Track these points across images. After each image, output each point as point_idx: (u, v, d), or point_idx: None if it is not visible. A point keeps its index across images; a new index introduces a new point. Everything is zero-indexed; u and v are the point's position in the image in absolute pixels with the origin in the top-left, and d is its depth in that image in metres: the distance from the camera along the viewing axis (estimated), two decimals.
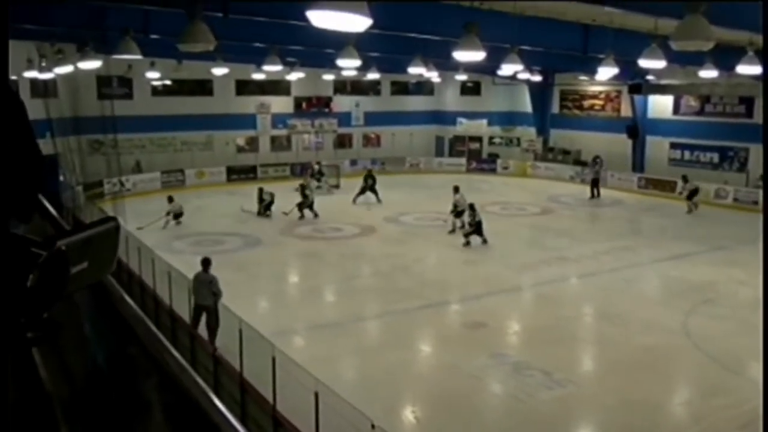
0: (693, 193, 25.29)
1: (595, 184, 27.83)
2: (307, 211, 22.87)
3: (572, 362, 11.69)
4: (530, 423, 9.52)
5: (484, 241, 19.40)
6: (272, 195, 23.35)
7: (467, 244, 19.20)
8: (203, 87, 31.64)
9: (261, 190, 23.62)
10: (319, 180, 28.80)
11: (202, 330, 11.41)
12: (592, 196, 27.68)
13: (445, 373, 10.94)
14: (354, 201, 25.29)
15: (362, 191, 25.67)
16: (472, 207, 19.73)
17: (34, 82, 20.82)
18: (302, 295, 15.91)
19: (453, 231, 20.66)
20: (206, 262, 11.84)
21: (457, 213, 20.75)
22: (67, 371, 2.34)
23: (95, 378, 2.36)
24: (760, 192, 25.96)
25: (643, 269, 17.49)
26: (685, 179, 26.06)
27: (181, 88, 31.26)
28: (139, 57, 14.11)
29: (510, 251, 18.88)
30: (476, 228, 19.39)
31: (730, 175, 27.87)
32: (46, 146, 14.47)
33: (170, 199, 21.96)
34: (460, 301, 14.93)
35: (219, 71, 23.83)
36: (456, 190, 21.40)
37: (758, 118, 26.95)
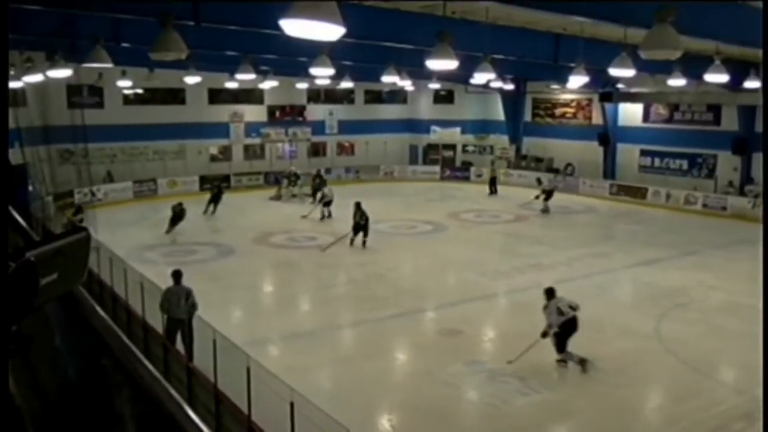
0: (549, 194, 25.96)
1: (548, 195, 26.60)
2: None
3: (547, 368, 11.74)
4: (506, 429, 9.54)
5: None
6: (182, 210, 22.09)
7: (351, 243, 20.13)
8: (175, 96, 31.43)
9: (179, 206, 22.20)
10: (295, 185, 28.92)
11: (179, 345, 11.28)
12: (539, 198, 26.74)
13: (420, 381, 10.94)
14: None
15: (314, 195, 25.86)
16: (358, 205, 20.59)
17: None
18: (277, 304, 15.82)
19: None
20: (178, 275, 11.44)
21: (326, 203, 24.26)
22: (37, 384, 2.30)
23: (67, 391, 2.32)
24: (728, 198, 26.42)
25: (616, 275, 17.67)
26: (539, 181, 27.34)
27: (153, 96, 31.02)
28: (110, 65, 13.96)
29: (484, 259, 18.97)
30: (364, 227, 20.28)
31: (699, 182, 28.35)
32: (15, 156, 14.30)
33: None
34: (436, 309, 14.95)
35: (191, 80, 23.68)
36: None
37: (726, 125, 27.46)
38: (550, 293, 11.58)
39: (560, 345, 11.21)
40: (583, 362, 11.13)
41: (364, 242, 20.15)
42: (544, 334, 11.24)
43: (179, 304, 11.07)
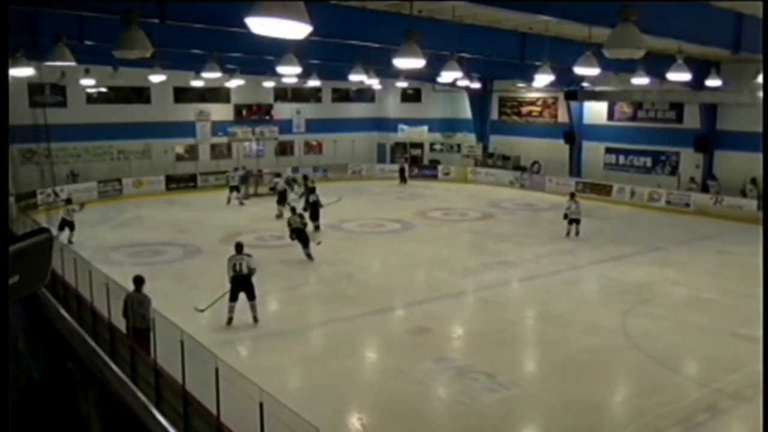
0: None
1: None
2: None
3: (515, 364, 11.85)
4: (475, 426, 9.60)
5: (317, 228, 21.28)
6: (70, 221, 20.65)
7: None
8: (140, 94, 31.06)
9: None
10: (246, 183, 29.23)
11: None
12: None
13: (390, 379, 10.95)
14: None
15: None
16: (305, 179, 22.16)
17: None
18: (245, 304, 15.70)
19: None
20: (139, 281, 11.16)
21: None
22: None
23: (30, 394, 2.28)
24: (691, 194, 26.90)
25: (582, 271, 17.88)
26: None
27: (117, 95, 30.62)
28: (72, 64, 13.72)
29: (452, 256, 19.05)
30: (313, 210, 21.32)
31: (663, 178, 28.82)
32: None
33: None
34: (404, 307, 14.98)
35: (156, 78, 23.43)
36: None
37: (688, 123, 27.95)
38: (238, 248, 13.44)
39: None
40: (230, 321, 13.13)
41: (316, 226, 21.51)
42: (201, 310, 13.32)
43: (137, 313, 10.76)
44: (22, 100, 23.77)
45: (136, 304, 10.90)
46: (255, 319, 13.32)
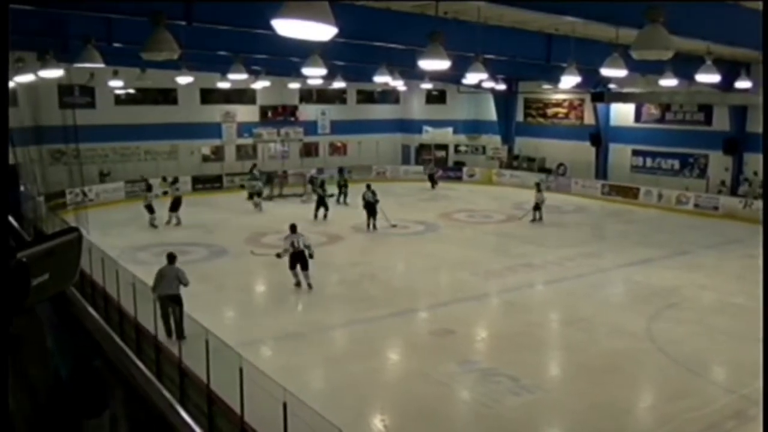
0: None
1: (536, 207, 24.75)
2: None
3: (539, 368, 11.77)
4: (498, 429, 9.56)
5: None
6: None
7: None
8: (167, 96, 31.35)
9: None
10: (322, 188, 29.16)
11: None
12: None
13: (413, 381, 10.94)
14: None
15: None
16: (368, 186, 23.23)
17: None
18: (269, 304, 15.80)
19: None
20: (172, 257, 12.66)
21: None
22: (29, 386, 2.29)
23: (59, 392, 2.31)
24: (720, 198, 26.54)
25: (607, 275, 17.71)
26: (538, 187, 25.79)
27: (144, 97, 30.93)
28: (101, 65, 13.94)
29: (476, 258, 18.98)
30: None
31: (691, 181, 28.45)
32: None
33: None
34: (428, 309, 14.95)
35: (183, 80, 23.62)
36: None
37: (717, 125, 27.57)
38: (292, 228, 15.81)
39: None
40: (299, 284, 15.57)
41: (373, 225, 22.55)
42: (278, 255, 15.47)
43: (170, 282, 12.17)
44: (52, 102, 24.16)
45: (167, 274, 12.30)
46: (309, 286, 15.63)
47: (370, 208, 22.65)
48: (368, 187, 23.27)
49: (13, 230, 2.29)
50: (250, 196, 27.38)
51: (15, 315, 1.36)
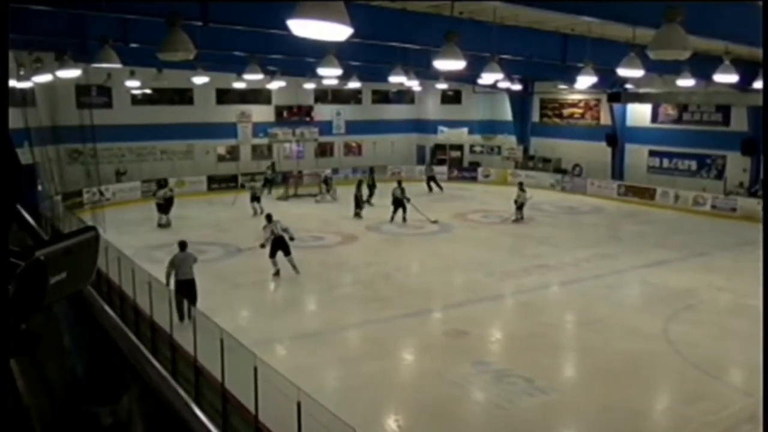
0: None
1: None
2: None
3: (554, 369, 11.72)
4: (512, 430, 9.53)
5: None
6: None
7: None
8: (183, 96, 31.53)
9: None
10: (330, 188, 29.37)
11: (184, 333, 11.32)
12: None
13: (427, 382, 10.93)
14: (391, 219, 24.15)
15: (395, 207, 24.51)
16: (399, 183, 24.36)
17: (12, 90, 20.60)
18: (284, 304, 15.83)
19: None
20: (183, 244, 13.69)
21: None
22: (45, 383, 2.31)
23: (75, 390, 2.33)
24: (738, 199, 26.30)
25: (623, 276, 17.61)
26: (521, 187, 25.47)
27: (161, 97, 31.13)
28: (118, 66, 14.02)
29: (491, 259, 18.94)
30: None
31: (708, 182, 28.22)
32: (24, 156, 14.37)
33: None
34: (442, 310, 14.93)
35: (199, 80, 23.72)
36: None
37: (735, 126, 27.34)
38: (268, 218, 16.65)
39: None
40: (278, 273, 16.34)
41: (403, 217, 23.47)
42: (262, 246, 16.35)
43: (185, 268, 13.20)
44: (69, 102, 24.36)
45: (181, 261, 13.26)
46: (295, 269, 16.41)
47: (399, 203, 23.69)
48: (399, 183, 24.60)
49: (30, 228, 2.31)
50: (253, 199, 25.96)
51: (33, 313, 1.37)
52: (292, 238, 16.42)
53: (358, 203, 25.05)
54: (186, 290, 12.94)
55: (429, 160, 36.14)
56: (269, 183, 30.15)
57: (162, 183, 25.22)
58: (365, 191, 26.61)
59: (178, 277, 13.10)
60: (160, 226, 22.95)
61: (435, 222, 23.57)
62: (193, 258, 13.52)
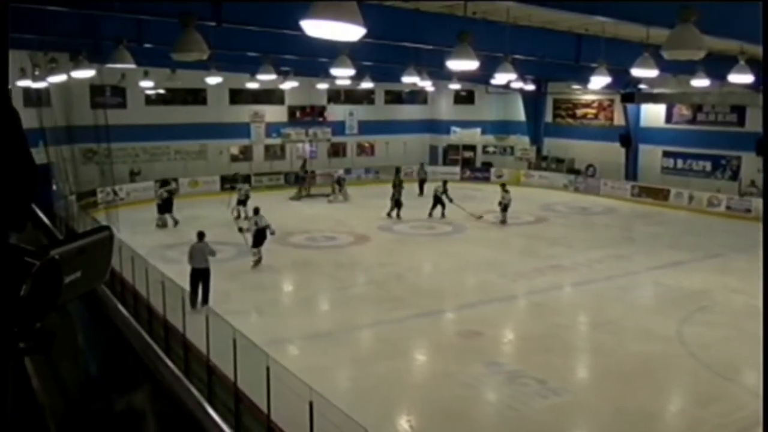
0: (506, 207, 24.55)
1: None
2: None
3: (567, 371, 11.68)
4: None
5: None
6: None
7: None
8: (197, 96, 31.65)
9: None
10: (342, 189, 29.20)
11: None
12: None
13: (439, 382, 10.92)
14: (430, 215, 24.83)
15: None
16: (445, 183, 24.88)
17: (27, 91, 20.77)
18: (296, 304, 15.87)
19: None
20: (200, 234, 14.68)
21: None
22: (60, 381, 2.32)
23: (88, 388, 2.34)
24: (753, 200, 26.10)
25: (637, 277, 17.52)
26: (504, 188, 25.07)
27: (174, 97, 31.27)
28: (132, 66, 14.09)
29: (504, 259, 18.89)
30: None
31: (723, 183, 28.01)
32: (39, 155, 14.48)
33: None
34: (455, 310, 14.91)
35: (213, 80, 23.82)
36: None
37: (750, 126, 27.13)
38: (255, 211, 18.02)
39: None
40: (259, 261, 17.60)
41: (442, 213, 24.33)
42: (240, 230, 18.30)
43: (199, 257, 14.11)
44: (84, 102, 24.51)
45: (198, 250, 14.25)
46: (259, 260, 17.77)
47: (438, 200, 24.53)
48: (444, 183, 25.46)
49: (45, 228, 2.33)
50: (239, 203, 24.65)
51: (48, 312, 1.37)
52: (272, 233, 17.77)
53: (398, 203, 24.88)
54: (199, 278, 13.97)
55: (422, 163, 34.76)
56: (302, 181, 30.21)
57: (162, 183, 25.08)
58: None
59: (193, 265, 14.10)
60: (157, 226, 22.87)
61: (480, 218, 24.42)
62: (209, 249, 14.33)
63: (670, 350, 12.22)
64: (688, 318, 13.96)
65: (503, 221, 24.06)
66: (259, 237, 17.63)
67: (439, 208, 24.62)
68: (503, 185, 25.16)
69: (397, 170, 29.11)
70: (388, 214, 24.67)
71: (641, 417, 9.70)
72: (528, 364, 11.53)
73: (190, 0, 11.19)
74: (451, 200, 24.47)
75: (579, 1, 11.12)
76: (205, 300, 13.84)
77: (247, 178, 25.81)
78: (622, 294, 15.88)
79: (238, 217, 23.56)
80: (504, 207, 24.12)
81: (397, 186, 26.76)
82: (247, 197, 24.45)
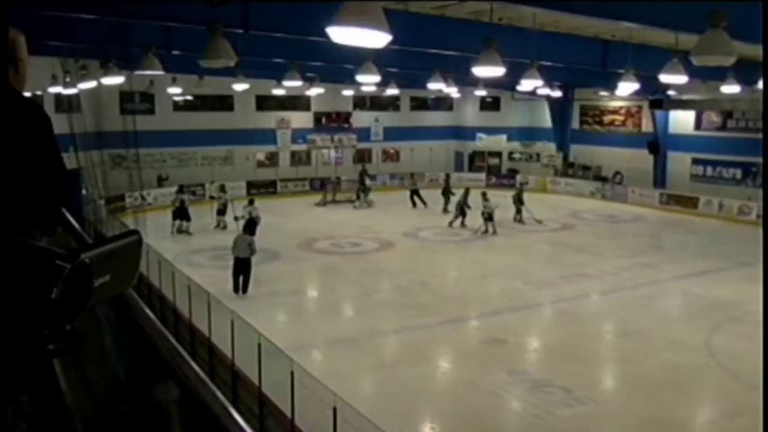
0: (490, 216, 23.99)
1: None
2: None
3: (593, 380, 11.57)
4: None
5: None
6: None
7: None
8: (224, 102, 31.93)
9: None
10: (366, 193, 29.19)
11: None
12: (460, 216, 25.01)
13: (463, 390, 10.87)
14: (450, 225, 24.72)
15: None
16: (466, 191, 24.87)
17: (58, 97, 21.13)
18: (321, 309, 15.91)
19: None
20: (247, 227, 17.00)
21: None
22: (87, 383, 2.35)
23: (115, 390, 2.37)
24: None
25: (665, 286, 17.30)
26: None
27: (202, 103, 31.60)
28: (161, 73, 14.25)
29: (529, 267, 18.78)
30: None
31: (754, 191, 27.55)
32: (69, 160, 14.66)
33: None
34: (479, 317, 14.84)
35: (239, 87, 24.01)
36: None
37: None
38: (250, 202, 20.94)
39: None
40: None
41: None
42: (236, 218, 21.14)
43: (243, 247, 15.47)
44: (113, 108, 24.84)
45: (242, 241, 15.63)
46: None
47: (461, 210, 24.49)
48: (466, 191, 25.44)
49: (75, 232, 2.36)
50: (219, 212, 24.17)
51: (78, 314, 1.39)
52: (257, 223, 19.57)
53: (463, 211, 24.53)
54: (239, 266, 15.45)
55: (413, 173, 33.06)
56: (366, 190, 30.01)
57: (179, 189, 24.51)
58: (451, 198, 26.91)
59: (235, 255, 15.51)
60: (177, 232, 22.85)
61: (540, 222, 24.84)
62: (248, 241, 15.66)
63: (699, 361, 12.04)
64: (717, 328, 13.74)
65: (487, 231, 23.02)
66: (252, 226, 18.49)
67: (459, 217, 24.32)
68: (483, 194, 24.15)
69: (447, 177, 29.06)
70: (451, 224, 24.35)
71: (668, 428, 9.57)
72: (553, 373, 11.43)
73: (218, 7, 11.30)
74: (469, 207, 24.21)
75: (607, 0, 11.00)
76: (245, 288, 15.35)
77: (222, 188, 25.22)
78: (650, 303, 15.69)
79: (218, 226, 23.43)
80: (488, 216, 23.08)
81: (446, 191, 26.96)
82: (224, 207, 23.80)
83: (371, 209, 28.38)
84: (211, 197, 25.68)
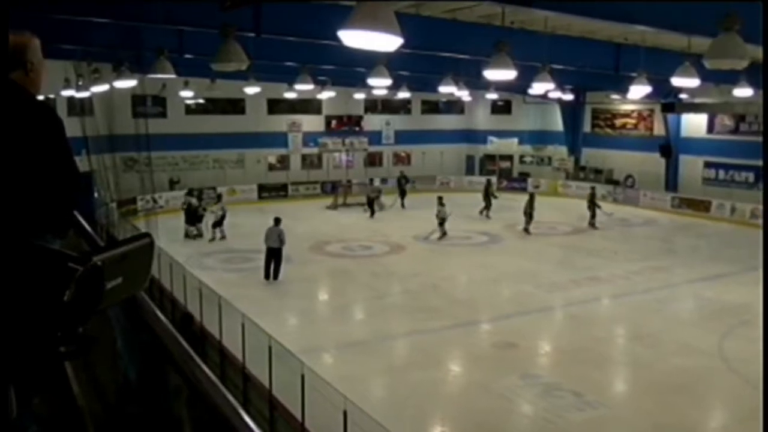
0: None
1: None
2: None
3: (604, 384, 11.51)
4: None
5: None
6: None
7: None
8: (235, 106, 32.03)
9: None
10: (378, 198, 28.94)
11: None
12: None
13: (474, 394, 10.84)
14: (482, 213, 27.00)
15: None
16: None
17: (71, 100, 21.25)
18: (331, 312, 15.91)
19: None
20: (277, 219, 17.87)
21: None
22: (98, 386, 2.36)
23: (126, 393, 2.38)
24: None
25: (676, 290, 17.20)
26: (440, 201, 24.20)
27: (214, 106, 31.72)
28: (173, 76, 14.32)
29: (540, 271, 18.71)
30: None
31: None
32: (81, 163, 14.76)
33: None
34: (490, 321, 14.81)
35: (251, 90, 24.07)
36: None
37: None
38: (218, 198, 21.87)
39: None
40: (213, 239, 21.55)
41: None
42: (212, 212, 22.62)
43: (274, 238, 17.24)
44: (125, 112, 24.98)
45: (273, 232, 17.38)
46: (223, 235, 22.22)
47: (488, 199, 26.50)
48: (488, 181, 27.48)
49: (87, 235, 2.37)
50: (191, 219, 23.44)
51: (90, 317, 1.40)
52: (223, 216, 21.98)
53: (531, 216, 24.61)
54: (271, 256, 17.13)
55: (372, 179, 33.51)
56: (403, 193, 30.08)
57: (188, 192, 24.54)
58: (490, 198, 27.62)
59: (267, 245, 17.22)
60: (189, 236, 22.73)
61: (610, 214, 26.00)
62: (277, 232, 17.34)
63: (711, 365, 11.96)
64: (729, 332, 13.65)
65: (442, 236, 22.66)
66: (220, 219, 21.55)
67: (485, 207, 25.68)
68: (440, 198, 23.57)
69: (489, 181, 29.11)
70: (525, 230, 24.37)
71: None
72: (564, 377, 11.38)
73: (230, 10, 11.34)
74: (496, 197, 25.49)
75: (619, 0, 10.96)
76: (276, 275, 17.08)
77: (200, 195, 24.95)
78: (661, 307, 15.61)
79: (213, 239, 22.79)
80: (441, 221, 22.75)
81: (488, 196, 27.41)
82: (196, 213, 23.46)
83: (381, 212, 28.33)
84: (207, 210, 24.09)
